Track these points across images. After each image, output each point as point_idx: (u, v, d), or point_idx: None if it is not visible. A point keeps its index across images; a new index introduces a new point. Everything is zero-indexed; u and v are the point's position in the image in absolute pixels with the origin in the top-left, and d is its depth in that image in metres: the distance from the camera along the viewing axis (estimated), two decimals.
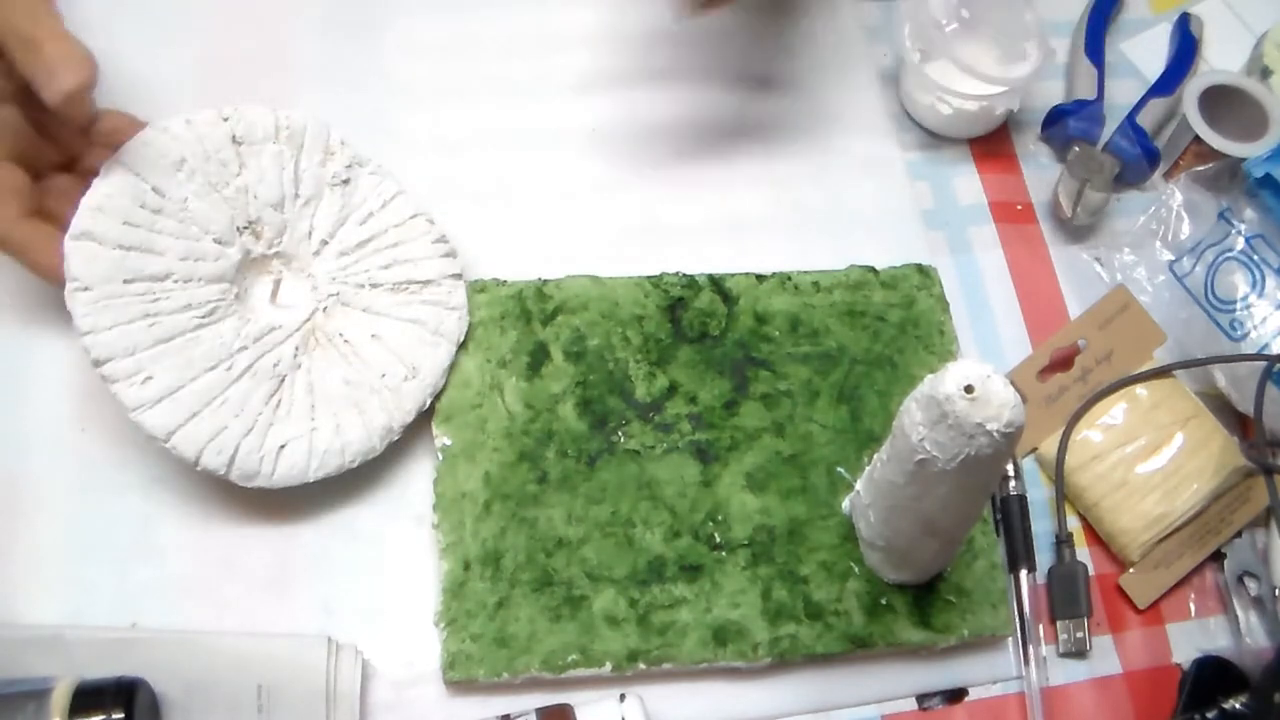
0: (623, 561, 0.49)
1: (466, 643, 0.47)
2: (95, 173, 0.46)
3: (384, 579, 0.49)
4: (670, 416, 0.52)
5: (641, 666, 0.47)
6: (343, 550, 0.49)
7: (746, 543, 0.49)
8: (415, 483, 0.50)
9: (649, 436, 0.51)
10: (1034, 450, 0.56)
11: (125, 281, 0.45)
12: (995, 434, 0.39)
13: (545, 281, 0.54)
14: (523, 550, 0.48)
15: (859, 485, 0.49)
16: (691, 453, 0.51)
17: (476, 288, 0.53)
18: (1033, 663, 0.51)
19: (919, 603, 0.49)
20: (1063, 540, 0.53)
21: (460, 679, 0.46)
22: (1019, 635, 0.51)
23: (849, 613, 0.49)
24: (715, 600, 0.48)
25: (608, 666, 0.47)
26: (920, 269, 0.57)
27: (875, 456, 0.46)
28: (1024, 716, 0.50)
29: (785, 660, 0.48)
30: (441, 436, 0.50)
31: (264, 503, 0.49)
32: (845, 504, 0.51)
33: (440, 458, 0.49)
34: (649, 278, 0.55)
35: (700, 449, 0.51)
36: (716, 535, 0.50)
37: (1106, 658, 0.52)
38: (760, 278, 0.55)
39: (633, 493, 0.50)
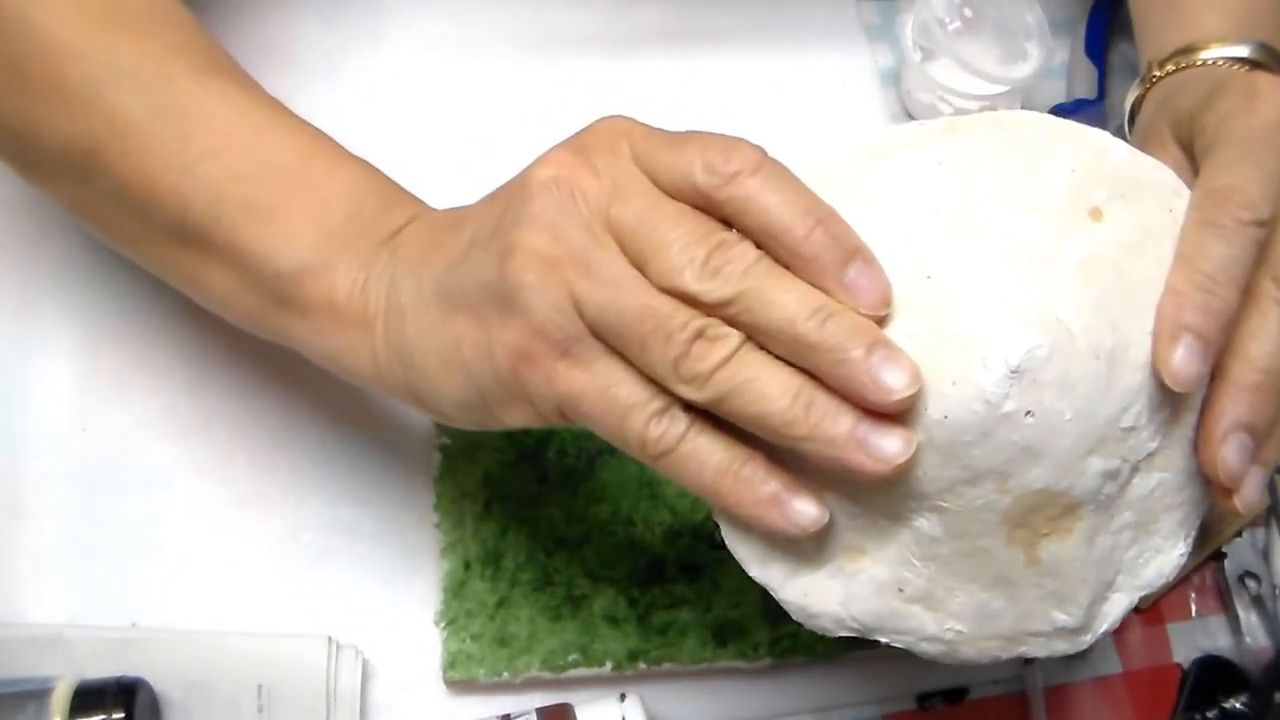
0: (623, 561, 0.49)
1: (467, 642, 0.47)
2: None
3: (384, 579, 0.49)
4: None
5: (641, 666, 0.47)
6: (343, 550, 0.49)
7: None
8: (415, 483, 0.50)
9: None
10: None
11: None
12: None
13: None
14: (523, 550, 0.48)
15: None
16: None
17: None
18: (1034, 662, 0.51)
19: None
20: None
21: (460, 679, 0.46)
22: None
23: None
24: (715, 600, 0.48)
25: (608, 666, 0.47)
26: None
27: None
28: (1024, 716, 0.50)
29: (785, 660, 0.48)
30: (441, 436, 0.50)
31: (264, 503, 0.49)
32: None
33: (440, 458, 0.49)
34: None
35: None
36: (717, 535, 0.49)
37: (1106, 657, 0.52)
38: None
39: (633, 493, 0.50)
